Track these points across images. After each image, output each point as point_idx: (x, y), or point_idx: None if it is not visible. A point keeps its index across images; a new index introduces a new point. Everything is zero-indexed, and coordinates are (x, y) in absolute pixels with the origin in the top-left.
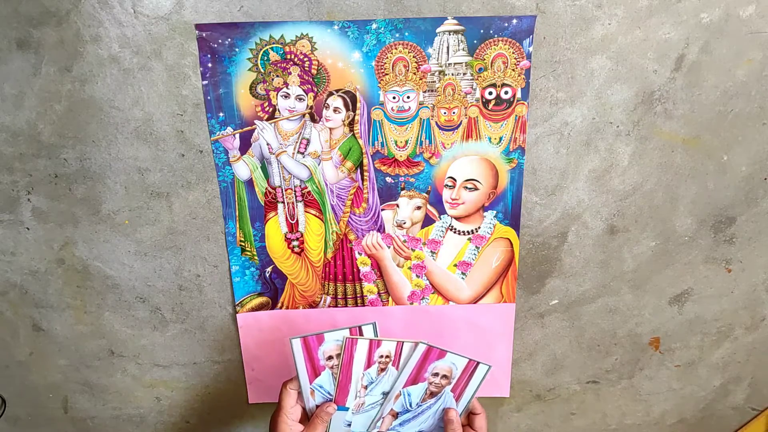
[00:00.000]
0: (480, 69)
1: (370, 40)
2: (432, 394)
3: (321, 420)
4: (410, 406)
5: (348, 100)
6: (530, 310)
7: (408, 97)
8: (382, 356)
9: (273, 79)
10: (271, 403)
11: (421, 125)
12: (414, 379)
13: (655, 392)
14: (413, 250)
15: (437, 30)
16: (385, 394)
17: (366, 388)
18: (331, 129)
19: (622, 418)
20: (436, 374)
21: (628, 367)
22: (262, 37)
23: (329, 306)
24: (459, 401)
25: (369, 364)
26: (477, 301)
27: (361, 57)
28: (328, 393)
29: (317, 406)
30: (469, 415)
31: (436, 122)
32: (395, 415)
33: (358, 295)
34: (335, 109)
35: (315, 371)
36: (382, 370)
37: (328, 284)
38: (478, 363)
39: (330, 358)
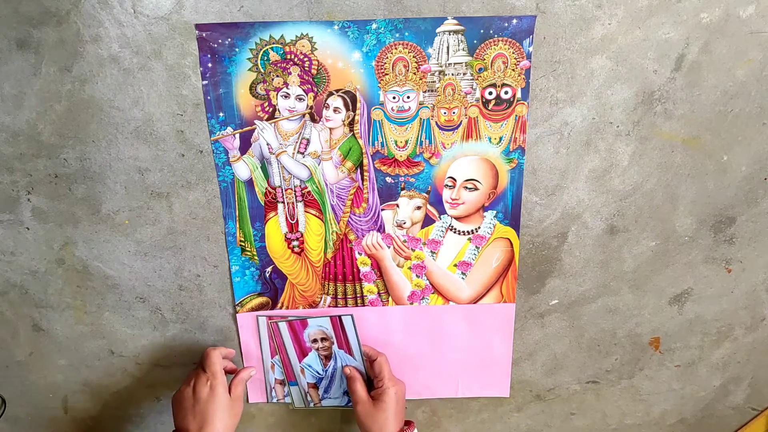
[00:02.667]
0: (480, 69)
1: (370, 40)
2: (327, 357)
3: (242, 381)
4: (319, 373)
5: (348, 100)
6: (530, 310)
7: (408, 97)
8: (317, 339)
9: (273, 79)
10: (271, 403)
11: (421, 125)
12: (302, 352)
13: (655, 392)
14: (413, 250)
15: (437, 30)
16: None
17: (316, 386)
18: (331, 129)
19: (622, 418)
20: (315, 340)
21: (628, 367)
22: (262, 37)
23: (329, 306)
24: (353, 354)
25: (302, 350)
26: (477, 301)
27: (361, 57)
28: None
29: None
30: (371, 364)
31: (436, 122)
32: (315, 387)
33: (358, 295)
34: (335, 109)
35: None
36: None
37: (328, 284)
38: (339, 316)
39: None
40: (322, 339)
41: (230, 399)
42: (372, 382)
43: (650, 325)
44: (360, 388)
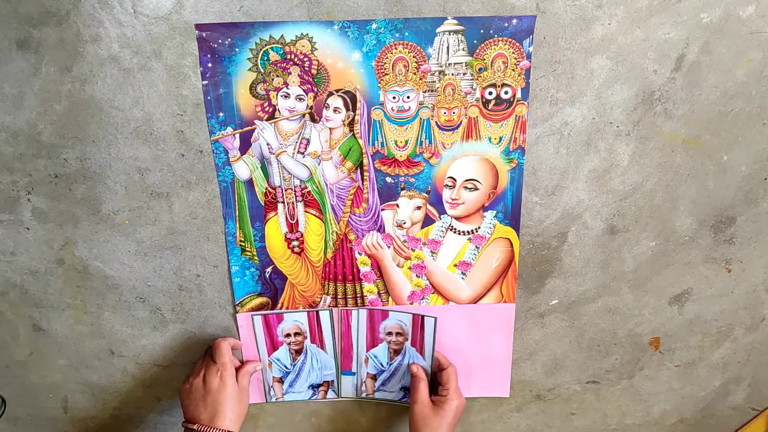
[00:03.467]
0: (480, 69)
1: (370, 40)
2: (396, 352)
3: (248, 373)
4: (382, 366)
5: (348, 100)
6: (530, 310)
7: (408, 97)
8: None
9: (273, 79)
10: (271, 403)
11: (421, 125)
12: (372, 342)
13: (655, 392)
14: (413, 250)
15: (437, 30)
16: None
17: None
18: (331, 129)
19: (622, 418)
20: (390, 333)
21: (628, 367)
22: (262, 37)
23: (329, 306)
24: (424, 355)
25: (374, 340)
26: (477, 301)
27: (361, 57)
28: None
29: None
30: (440, 371)
31: (436, 122)
32: (374, 378)
33: (358, 295)
34: (335, 109)
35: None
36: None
37: (328, 284)
38: (423, 316)
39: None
40: (398, 334)
41: (239, 389)
42: (434, 386)
43: (650, 325)
44: (423, 389)
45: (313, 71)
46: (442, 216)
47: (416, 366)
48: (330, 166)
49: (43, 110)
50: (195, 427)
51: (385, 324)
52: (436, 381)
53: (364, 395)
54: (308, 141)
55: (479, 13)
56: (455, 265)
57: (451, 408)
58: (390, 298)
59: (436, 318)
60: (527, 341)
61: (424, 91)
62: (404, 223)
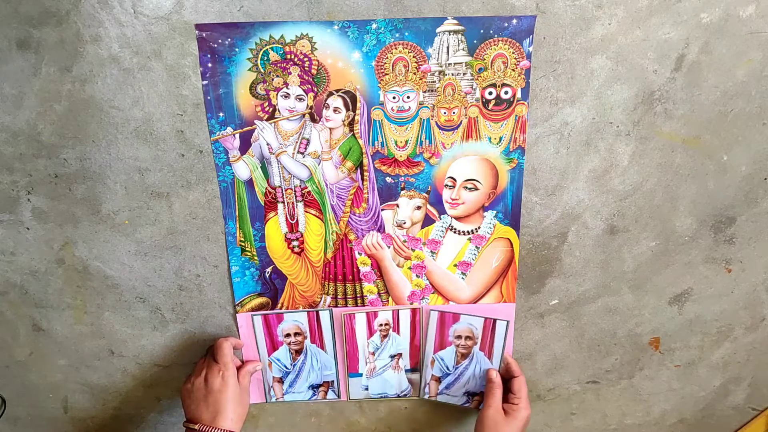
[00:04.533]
0: (480, 69)
1: (370, 40)
2: (463, 356)
3: (248, 373)
4: (448, 369)
5: (348, 100)
6: (530, 310)
7: (408, 97)
8: (381, 324)
9: (273, 79)
10: (271, 403)
11: (421, 125)
12: (440, 345)
13: (655, 392)
14: (413, 250)
15: (437, 30)
16: (393, 357)
17: (374, 354)
18: (331, 129)
19: (622, 418)
20: (459, 336)
21: (628, 367)
22: (262, 37)
23: (329, 306)
24: (492, 360)
25: (371, 332)
26: (477, 301)
27: (361, 57)
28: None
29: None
30: (510, 379)
31: (436, 122)
32: (438, 380)
33: (358, 295)
34: (335, 109)
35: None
36: (384, 336)
37: (328, 284)
38: (495, 320)
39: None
40: (467, 338)
41: (240, 389)
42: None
43: (650, 325)
44: (499, 395)
45: (313, 71)
46: (442, 216)
47: (495, 372)
48: (330, 166)
49: (43, 110)
50: (196, 427)
51: (455, 327)
52: (506, 388)
53: (426, 396)
54: (308, 141)
55: (479, 13)
56: (455, 265)
57: (521, 417)
58: (390, 298)
59: (508, 321)
60: (527, 341)
61: (424, 91)
62: (404, 223)
